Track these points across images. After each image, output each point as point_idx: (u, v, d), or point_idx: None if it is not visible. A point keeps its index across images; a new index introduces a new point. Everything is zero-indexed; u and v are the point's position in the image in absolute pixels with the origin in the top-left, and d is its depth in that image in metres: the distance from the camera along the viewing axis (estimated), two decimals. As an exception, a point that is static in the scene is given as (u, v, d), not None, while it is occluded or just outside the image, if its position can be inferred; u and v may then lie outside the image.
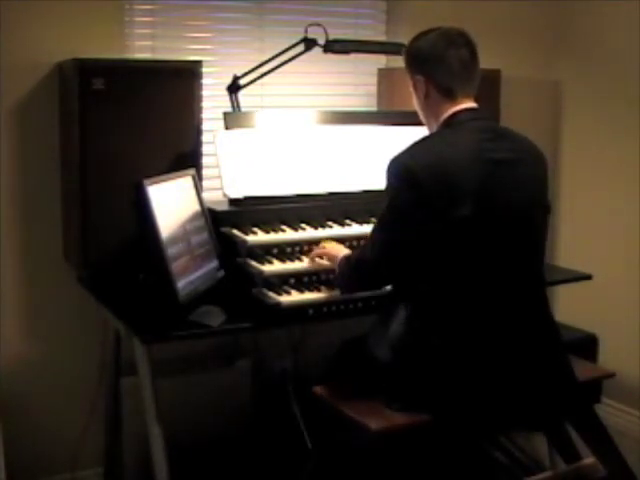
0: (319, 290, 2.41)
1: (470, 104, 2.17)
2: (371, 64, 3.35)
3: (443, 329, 2.06)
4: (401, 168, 2.06)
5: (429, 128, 2.26)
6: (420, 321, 2.10)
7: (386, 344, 2.17)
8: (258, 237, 2.47)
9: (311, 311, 2.36)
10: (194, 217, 2.44)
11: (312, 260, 2.45)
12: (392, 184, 2.09)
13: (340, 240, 2.57)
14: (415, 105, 2.27)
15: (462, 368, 2.05)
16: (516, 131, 2.23)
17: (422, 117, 2.27)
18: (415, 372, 2.08)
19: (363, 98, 3.37)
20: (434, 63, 2.16)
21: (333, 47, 2.81)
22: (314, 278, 2.46)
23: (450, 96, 2.16)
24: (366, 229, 2.62)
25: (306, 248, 2.52)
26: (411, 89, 2.25)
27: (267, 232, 2.50)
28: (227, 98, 2.81)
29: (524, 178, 2.12)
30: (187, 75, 2.62)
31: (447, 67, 2.15)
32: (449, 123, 2.15)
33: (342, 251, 2.38)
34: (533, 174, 2.17)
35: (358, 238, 2.60)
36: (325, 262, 2.44)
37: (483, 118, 2.19)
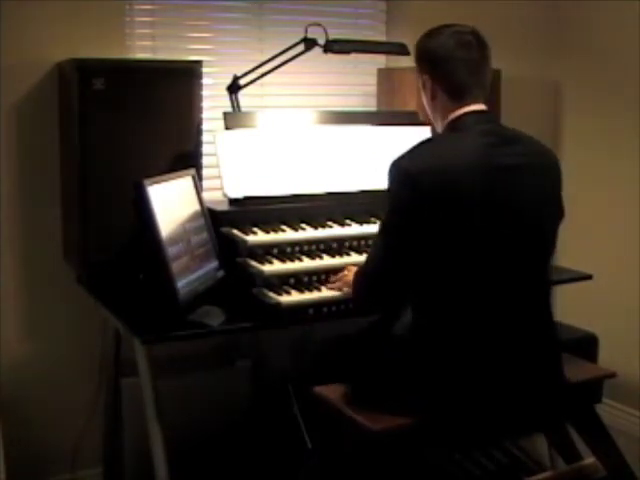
0: (319, 290, 2.41)
1: (478, 106, 2.10)
2: (371, 64, 3.35)
3: (445, 331, 2.05)
4: (399, 172, 2.02)
5: (436, 127, 2.21)
6: (422, 322, 2.09)
7: (388, 344, 2.17)
8: (258, 237, 2.46)
9: (311, 311, 2.36)
10: (194, 217, 2.44)
11: (338, 289, 2.40)
12: (392, 188, 2.05)
13: (340, 240, 2.57)
14: (423, 102, 2.22)
15: (463, 369, 2.04)
16: (528, 135, 2.15)
17: (430, 115, 2.22)
18: (416, 373, 2.07)
19: (363, 98, 3.38)
20: (442, 65, 2.09)
21: (333, 47, 2.80)
22: (314, 278, 2.46)
23: (457, 98, 2.09)
24: (366, 229, 2.62)
25: (306, 248, 2.52)
26: (420, 86, 2.20)
27: (267, 232, 2.50)
28: (227, 98, 2.81)
29: (532, 183, 2.06)
30: (187, 75, 2.62)
31: (455, 69, 2.08)
32: (454, 126, 2.09)
33: None
34: (543, 179, 2.10)
35: (358, 238, 2.60)
36: (347, 289, 2.37)
37: (491, 121, 2.12)
